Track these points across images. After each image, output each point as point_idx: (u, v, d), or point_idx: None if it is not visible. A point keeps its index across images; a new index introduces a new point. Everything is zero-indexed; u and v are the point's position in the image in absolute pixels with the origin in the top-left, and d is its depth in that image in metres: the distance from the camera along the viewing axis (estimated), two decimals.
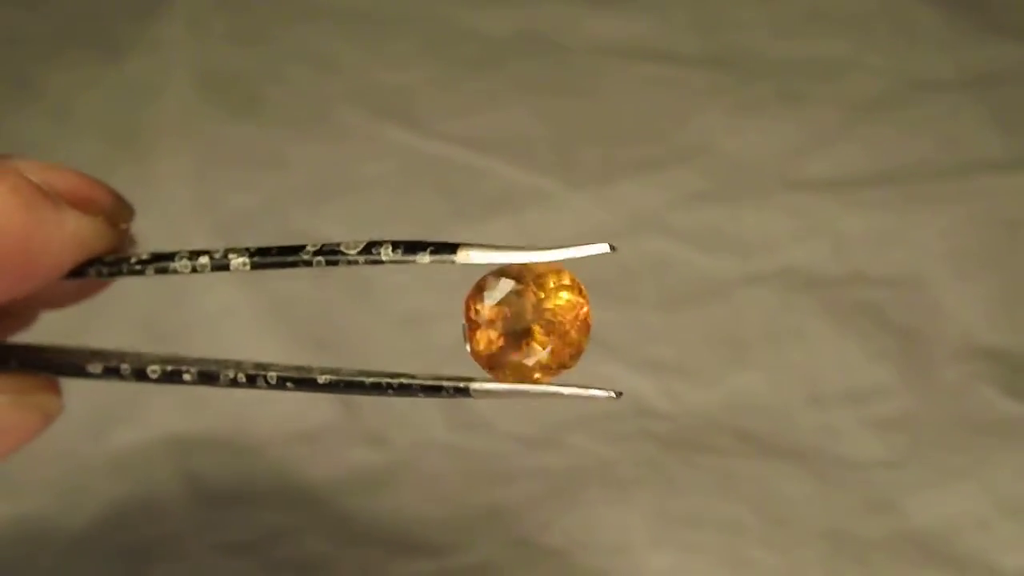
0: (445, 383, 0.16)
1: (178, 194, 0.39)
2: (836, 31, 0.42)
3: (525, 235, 0.37)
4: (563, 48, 0.42)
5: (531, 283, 0.16)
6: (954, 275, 0.36)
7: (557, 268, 0.16)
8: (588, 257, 0.15)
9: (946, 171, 0.38)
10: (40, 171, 0.17)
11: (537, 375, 0.16)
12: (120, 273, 0.18)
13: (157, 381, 0.18)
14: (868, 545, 0.30)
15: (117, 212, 0.19)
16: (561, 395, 0.16)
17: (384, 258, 0.16)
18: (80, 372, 0.19)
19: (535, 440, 0.33)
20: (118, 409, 0.34)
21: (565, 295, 0.16)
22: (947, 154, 0.39)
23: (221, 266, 0.17)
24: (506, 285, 0.16)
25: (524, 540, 0.31)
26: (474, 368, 0.16)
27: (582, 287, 0.16)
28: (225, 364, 0.18)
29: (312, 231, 0.37)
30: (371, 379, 0.17)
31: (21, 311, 0.21)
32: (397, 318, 0.36)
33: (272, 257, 0.17)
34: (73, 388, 0.20)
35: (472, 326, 0.16)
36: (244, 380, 0.18)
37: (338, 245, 0.16)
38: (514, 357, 0.16)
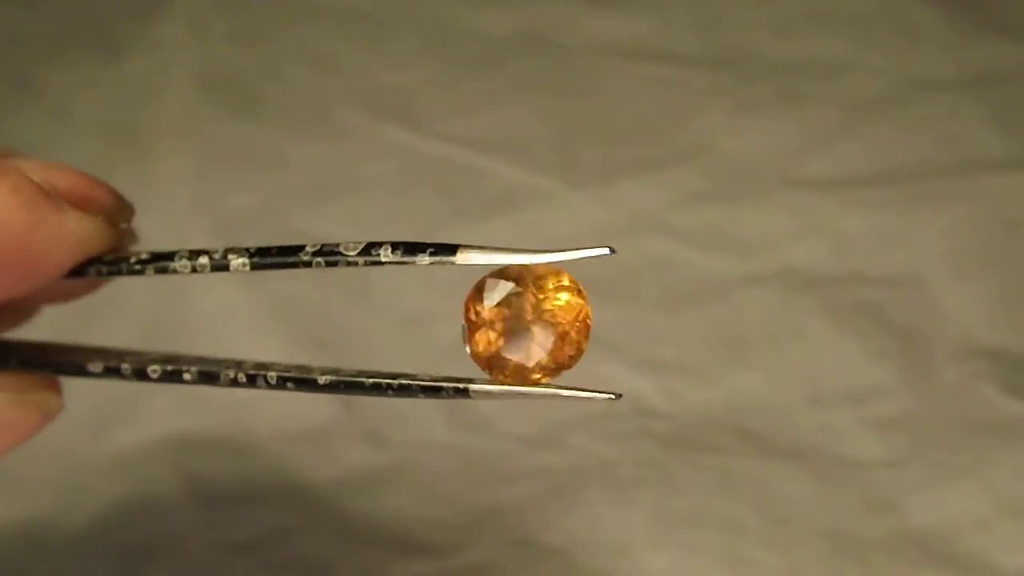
0: (445, 384, 0.16)
1: (178, 194, 0.39)
2: (836, 31, 0.42)
3: (525, 235, 0.37)
4: (563, 48, 0.42)
5: (531, 284, 0.16)
6: (954, 275, 0.36)
7: (556, 269, 0.16)
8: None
9: (946, 171, 0.38)
10: (41, 170, 0.17)
11: (537, 376, 0.16)
12: (120, 273, 0.18)
13: (157, 380, 0.18)
14: (868, 545, 0.30)
15: (117, 211, 0.19)
16: (560, 396, 0.16)
17: (384, 259, 0.16)
18: (80, 371, 0.19)
19: (535, 440, 0.33)
20: (118, 408, 0.34)
21: (564, 296, 0.16)
22: (947, 154, 0.39)
23: (221, 266, 0.17)
24: (506, 286, 0.16)
25: (525, 540, 0.31)
26: (474, 369, 0.16)
27: (581, 288, 0.16)
28: (225, 364, 0.18)
29: (312, 231, 0.37)
30: (371, 379, 0.17)
31: (21, 306, 0.21)
32: (397, 318, 0.36)
33: (272, 257, 0.17)
34: (73, 387, 0.20)
35: (472, 327, 0.16)
36: (244, 380, 0.18)
37: (337, 246, 0.16)
38: (514, 358, 0.16)
